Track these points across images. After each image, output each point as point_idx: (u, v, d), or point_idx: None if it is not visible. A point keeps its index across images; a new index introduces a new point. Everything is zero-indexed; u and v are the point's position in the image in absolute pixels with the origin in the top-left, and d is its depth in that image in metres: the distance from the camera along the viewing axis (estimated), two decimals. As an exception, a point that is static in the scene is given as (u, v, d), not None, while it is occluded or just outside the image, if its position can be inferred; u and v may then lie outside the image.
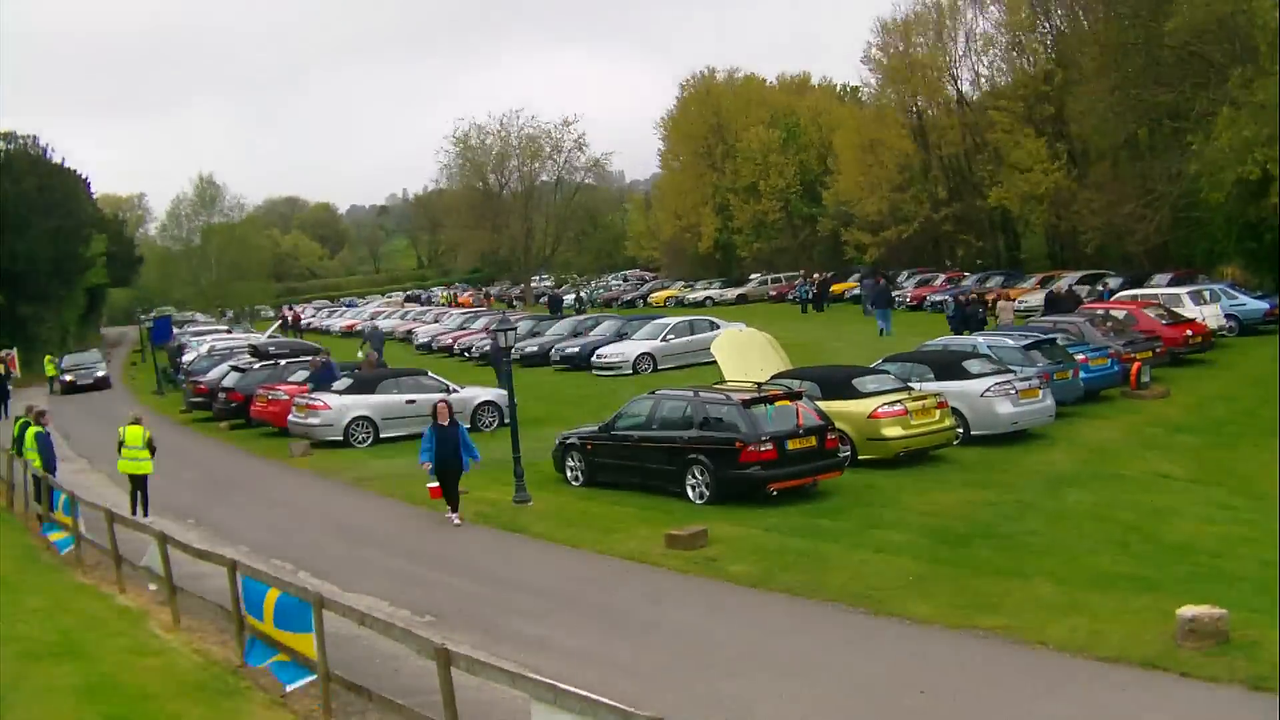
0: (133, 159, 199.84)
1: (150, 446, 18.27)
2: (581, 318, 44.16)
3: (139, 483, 18.07)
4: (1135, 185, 40.36)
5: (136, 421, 18.61)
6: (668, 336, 33.98)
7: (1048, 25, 50.48)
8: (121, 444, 18.36)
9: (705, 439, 16.18)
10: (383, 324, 61.53)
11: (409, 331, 54.00)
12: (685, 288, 69.87)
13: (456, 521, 16.40)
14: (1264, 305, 31.16)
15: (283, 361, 30.26)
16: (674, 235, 78.29)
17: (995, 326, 29.27)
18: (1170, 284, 34.41)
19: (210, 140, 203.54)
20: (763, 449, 15.57)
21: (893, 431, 17.79)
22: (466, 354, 41.46)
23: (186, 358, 40.40)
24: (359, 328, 56.99)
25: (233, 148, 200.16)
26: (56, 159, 61.98)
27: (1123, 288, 36.49)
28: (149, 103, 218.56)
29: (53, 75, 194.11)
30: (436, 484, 17.82)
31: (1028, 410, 19.55)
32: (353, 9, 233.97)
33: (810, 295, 52.93)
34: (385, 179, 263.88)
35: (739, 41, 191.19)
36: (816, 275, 57.27)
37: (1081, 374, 22.02)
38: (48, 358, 46.92)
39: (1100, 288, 37.65)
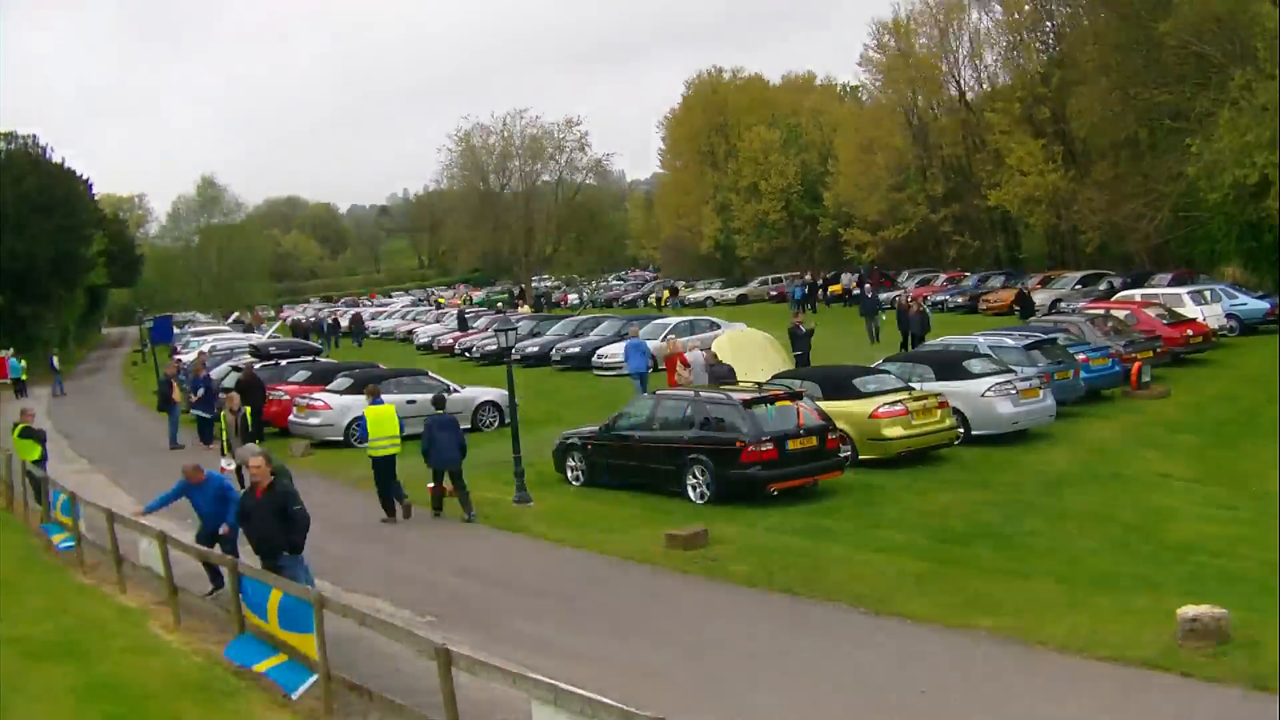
0: (135, 158, 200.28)
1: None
2: (583, 318, 44.17)
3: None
4: (1136, 185, 40.37)
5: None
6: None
7: (1048, 25, 50.51)
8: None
9: (706, 439, 16.18)
10: (383, 324, 61.77)
11: (410, 332, 54.01)
12: (686, 287, 69.91)
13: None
14: (1265, 305, 31.17)
15: (283, 361, 30.25)
16: (674, 235, 78.39)
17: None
18: (1171, 284, 34.43)
19: (212, 140, 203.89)
20: (763, 449, 15.57)
21: (893, 431, 17.79)
22: (467, 354, 41.49)
23: (187, 358, 40.32)
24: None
25: (234, 147, 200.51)
26: (57, 159, 62.03)
27: (1124, 287, 36.52)
28: (151, 101, 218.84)
29: (50, 73, 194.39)
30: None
31: (1028, 410, 19.54)
32: (355, 8, 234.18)
33: (802, 296, 52.31)
34: (386, 179, 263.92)
35: (741, 40, 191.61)
36: (809, 275, 57.20)
37: (1082, 374, 22.02)
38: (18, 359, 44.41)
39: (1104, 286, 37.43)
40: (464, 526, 16.39)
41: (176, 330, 51.66)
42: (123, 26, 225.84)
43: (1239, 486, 16.37)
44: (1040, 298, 41.00)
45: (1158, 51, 35.64)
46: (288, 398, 25.88)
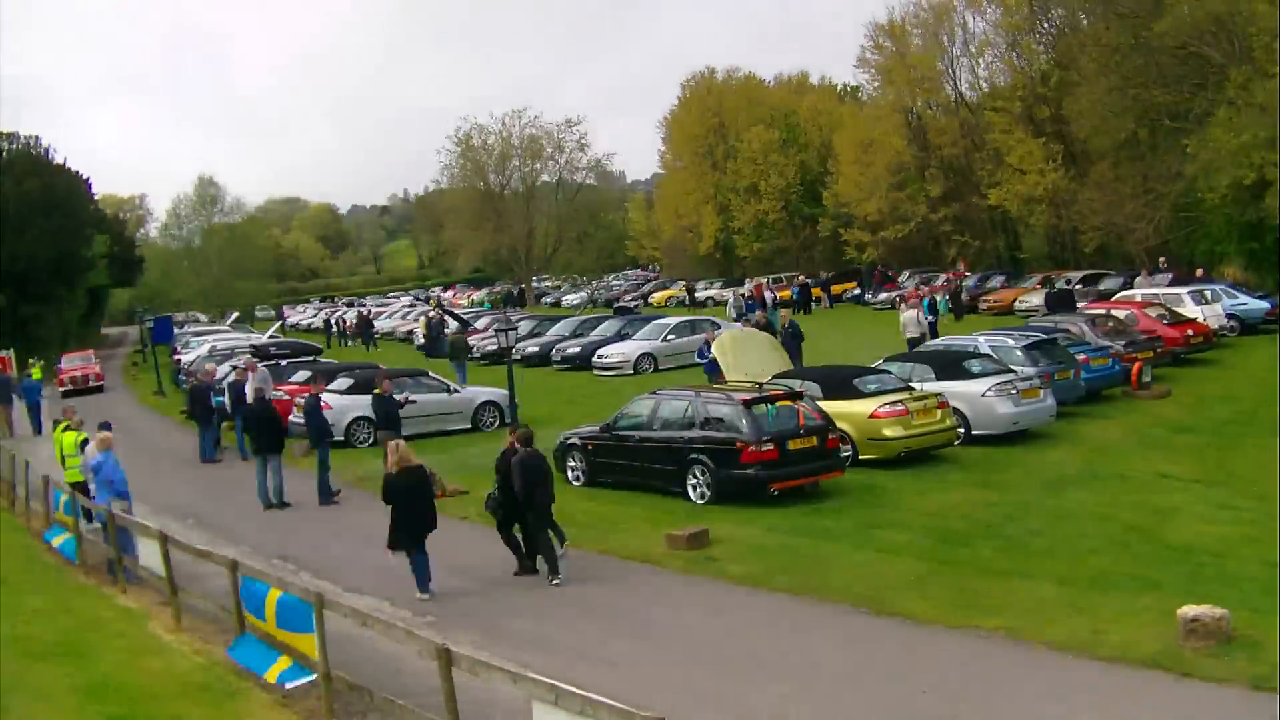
0: (133, 157, 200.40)
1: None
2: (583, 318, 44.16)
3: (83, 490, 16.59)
4: (1135, 185, 40.37)
5: (67, 428, 17.86)
6: (669, 336, 33.96)
7: (1046, 25, 50.48)
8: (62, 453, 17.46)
9: (706, 439, 16.16)
10: (383, 324, 61.61)
11: (410, 331, 54.05)
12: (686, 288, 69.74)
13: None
14: (1265, 305, 31.14)
15: (283, 362, 30.25)
16: (675, 235, 78.33)
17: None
18: (1171, 284, 34.37)
19: (212, 140, 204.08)
20: (764, 449, 15.56)
21: (894, 431, 17.78)
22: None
23: (186, 358, 40.29)
24: None
25: (234, 147, 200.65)
26: (59, 159, 62.14)
27: (1123, 288, 36.45)
28: (150, 99, 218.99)
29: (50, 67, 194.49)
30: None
31: (1029, 410, 19.53)
32: (353, 8, 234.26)
33: (799, 297, 51.97)
34: (387, 179, 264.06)
35: (738, 39, 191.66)
36: (801, 277, 57.06)
37: (1083, 374, 22.01)
38: (31, 361, 43.23)
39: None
40: (462, 526, 16.39)
41: (177, 330, 51.68)
42: (123, 24, 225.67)
43: (1240, 486, 16.35)
44: (1038, 299, 40.89)
45: (1156, 52, 35.65)
46: (287, 398, 25.85)
